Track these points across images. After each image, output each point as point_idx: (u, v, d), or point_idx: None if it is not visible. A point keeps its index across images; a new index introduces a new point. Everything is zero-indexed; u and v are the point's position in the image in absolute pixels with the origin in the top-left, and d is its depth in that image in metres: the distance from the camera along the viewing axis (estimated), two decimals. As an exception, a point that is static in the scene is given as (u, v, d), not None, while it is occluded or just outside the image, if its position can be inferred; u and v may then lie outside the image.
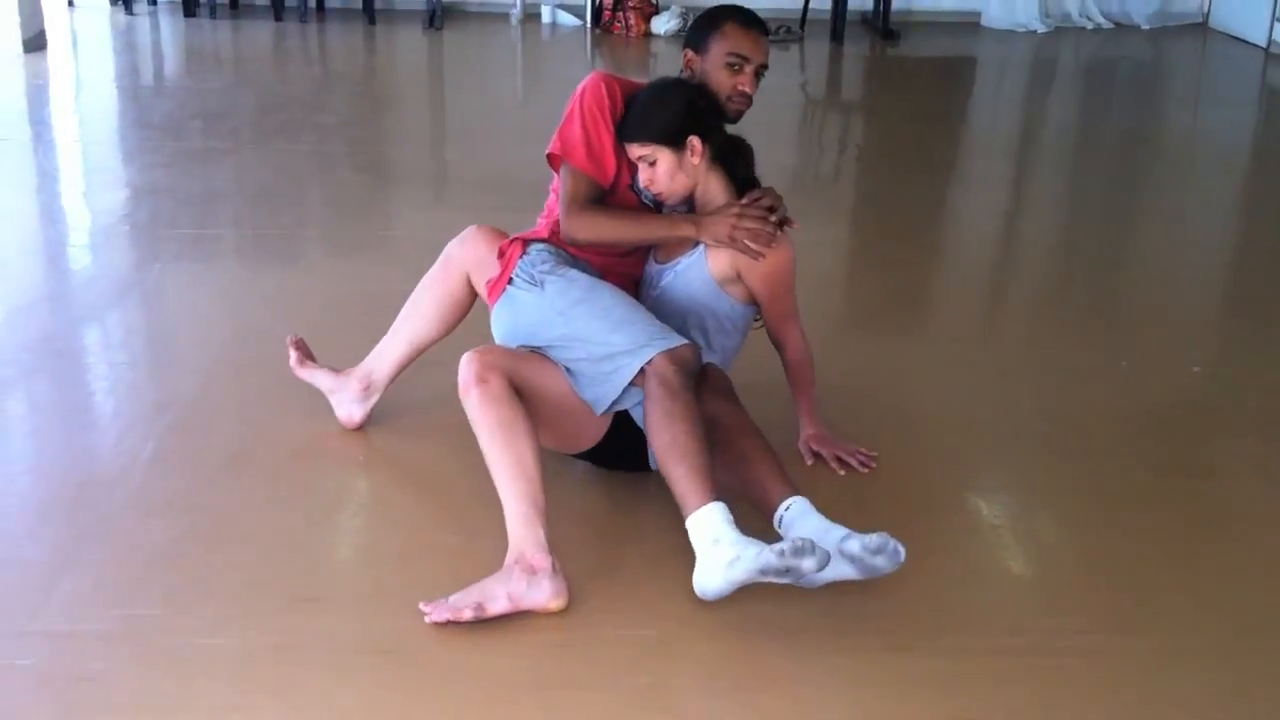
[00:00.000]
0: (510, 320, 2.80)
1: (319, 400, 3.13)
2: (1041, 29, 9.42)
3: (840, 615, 2.47)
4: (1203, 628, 2.49)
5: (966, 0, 9.71)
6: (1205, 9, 9.70)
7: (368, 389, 3.08)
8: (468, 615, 2.36)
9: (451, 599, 2.39)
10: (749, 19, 2.91)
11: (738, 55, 2.85)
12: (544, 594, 2.40)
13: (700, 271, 2.85)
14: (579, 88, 2.89)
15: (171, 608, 2.43)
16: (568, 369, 2.70)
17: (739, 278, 2.84)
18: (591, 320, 2.69)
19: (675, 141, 2.78)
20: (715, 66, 2.87)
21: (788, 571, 2.31)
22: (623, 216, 2.86)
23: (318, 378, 3.12)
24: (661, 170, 2.80)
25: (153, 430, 3.11)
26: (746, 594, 2.50)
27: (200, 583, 2.51)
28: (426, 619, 2.37)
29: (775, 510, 2.54)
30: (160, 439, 3.07)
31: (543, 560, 2.42)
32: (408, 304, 3.05)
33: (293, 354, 3.14)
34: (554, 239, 2.89)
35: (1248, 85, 8.25)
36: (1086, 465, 3.12)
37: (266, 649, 2.33)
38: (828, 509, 2.72)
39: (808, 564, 2.30)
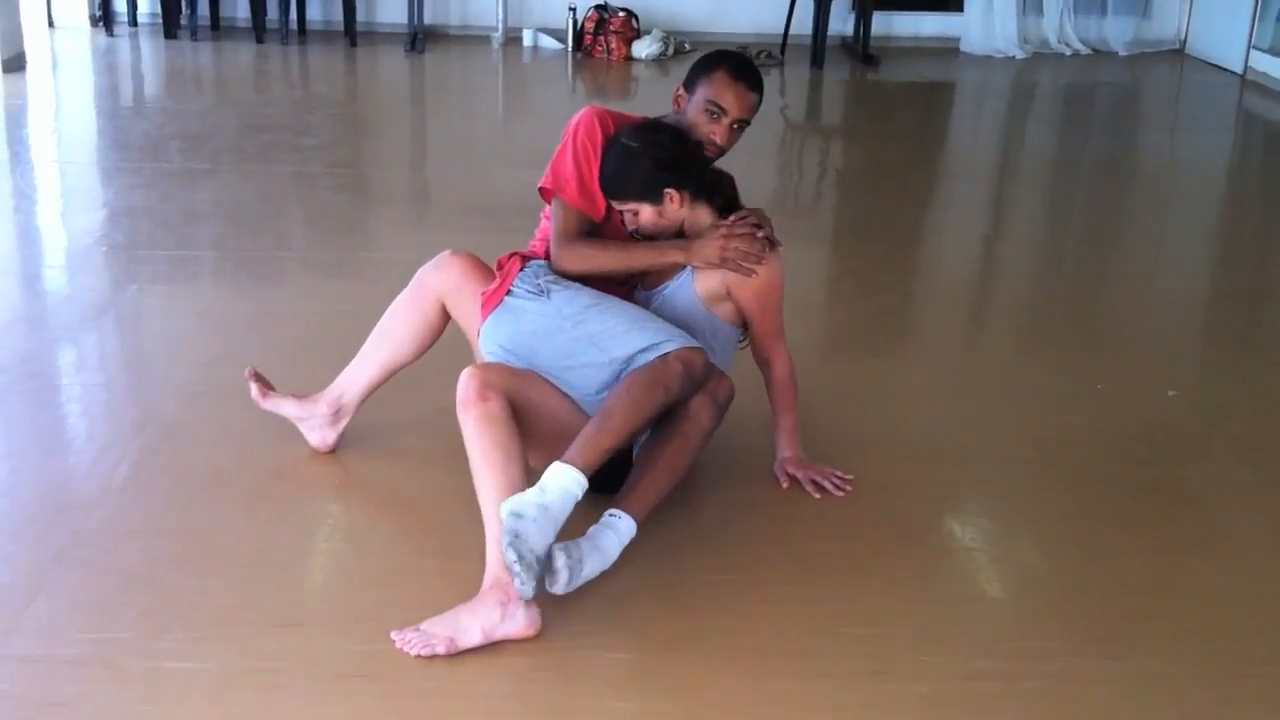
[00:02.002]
0: (511, 328, 2.77)
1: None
2: (1020, 54, 9.48)
3: (820, 638, 2.47)
4: (1181, 652, 2.49)
5: (946, 26, 9.78)
6: (1182, 36, 9.78)
7: (338, 413, 3.06)
8: (440, 651, 2.34)
9: (424, 626, 2.38)
10: (741, 72, 2.90)
11: (717, 105, 2.87)
12: (518, 625, 2.39)
13: (688, 294, 2.88)
14: (573, 123, 2.90)
15: (146, 631, 2.41)
16: (569, 382, 2.70)
17: (728, 295, 2.87)
18: (605, 323, 2.71)
19: (652, 197, 2.83)
20: (696, 109, 2.89)
21: (518, 557, 2.31)
22: (612, 247, 2.89)
23: (283, 407, 3.08)
24: (645, 219, 2.86)
25: (128, 452, 3.09)
26: (723, 616, 2.51)
27: (175, 606, 2.49)
28: (398, 646, 2.36)
29: (611, 510, 2.57)
30: (136, 461, 3.05)
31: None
32: (378, 327, 3.02)
33: (253, 387, 3.08)
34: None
35: (1224, 111, 8.32)
36: (1064, 489, 3.13)
37: (242, 673, 2.31)
38: (804, 532, 2.73)
39: (559, 571, 2.37)
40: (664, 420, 2.68)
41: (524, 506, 2.38)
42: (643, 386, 2.58)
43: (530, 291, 2.79)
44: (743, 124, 2.91)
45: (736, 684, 2.34)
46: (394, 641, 2.36)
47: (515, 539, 2.33)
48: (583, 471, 2.47)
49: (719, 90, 2.87)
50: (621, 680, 2.35)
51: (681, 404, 2.67)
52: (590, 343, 2.70)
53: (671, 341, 2.66)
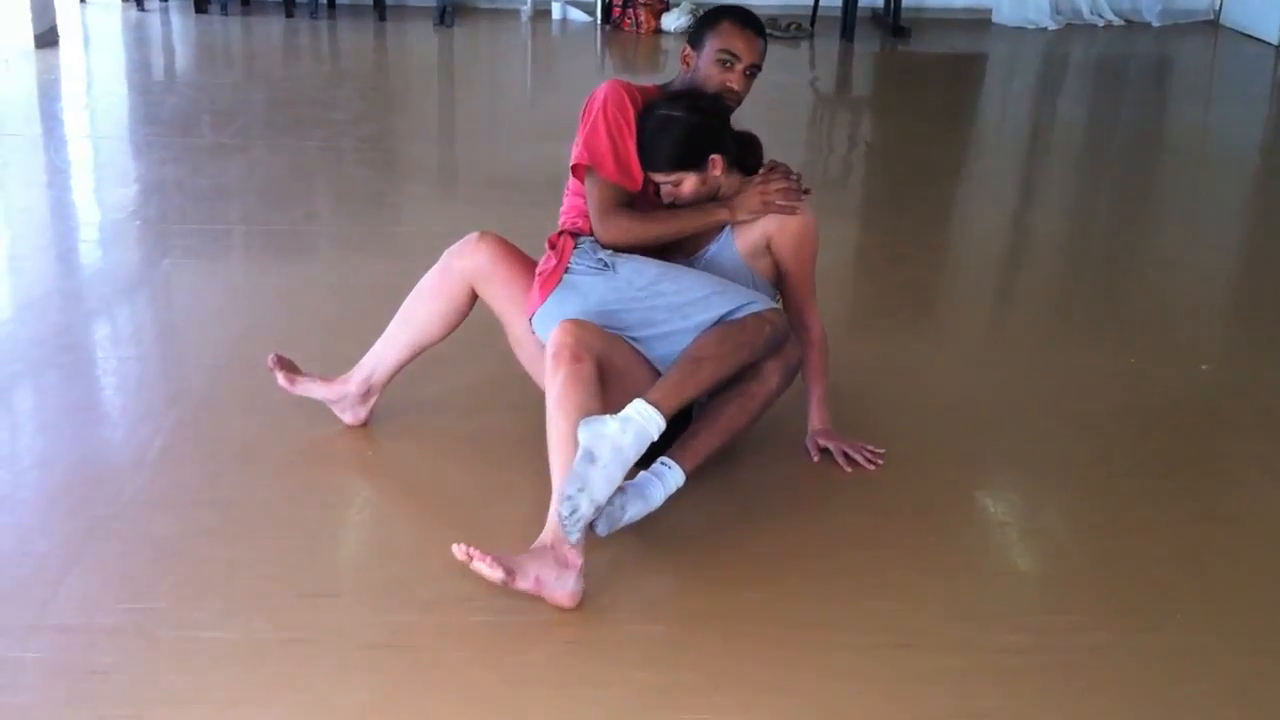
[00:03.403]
0: (578, 304, 2.75)
1: (328, 395, 3.12)
2: (1052, 26, 9.40)
3: (849, 611, 2.48)
4: (1210, 626, 2.49)
5: (977, -3, 9.70)
6: (1216, 6, 9.67)
7: (367, 392, 3.06)
8: (498, 575, 2.35)
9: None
10: (746, 20, 2.96)
11: (729, 53, 2.91)
12: (564, 592, 2.41)
13: (730, 252, 2.92)
14: (597, 97, 2.90)
15: (180, 601, 2.44)
16: (652, 348, 2.73)
17: (767, 249, 2.92)
18: (683, 292, 2.73)
19: (697, 165, 2.86)
20: (708, 62, 2.93)
21: (571, 511, 2.37)
22: (657, 216, 2.91)
23: (313, 390, 3.07)
24: (687, 188, 2.88)
25: (162, 425, 3.12)
26: (753, 589, 2.52)
27: (209, 577, 2.52)
28: (455, 554, 2.37)
29: (664, 458, 2.63)
30: (169, 433, 3.08)
31: (575, 559, 2.42)
32: (404, 311, 3.00)
33: (279, 375, 3.06)
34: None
35: (1259, 82, 8.22)
36: (1095, 462, 3.12)
37: (275, 643, 2.33)
38: (833, 505, 2.73)
39: (606, 510, 2.46)
40: (733, 378, 2.71)
41: (600, 445, 2.41)
42: (734, 343, 2.63)
43: (592, 267, 2.79)
44: (754, 69, 2.95)
45: (764, 655, 2.35)
46: (455, 551, 2.38)
47: (578, 493, 2.37)
48: (662, 413, 2.50)
49: (729, 39, 2.92)
50: (650, 652, 2.36)
51: (753, 365, 2.70)
52: (672, 311, 2.71)
53: (756, 303, 2.70)
